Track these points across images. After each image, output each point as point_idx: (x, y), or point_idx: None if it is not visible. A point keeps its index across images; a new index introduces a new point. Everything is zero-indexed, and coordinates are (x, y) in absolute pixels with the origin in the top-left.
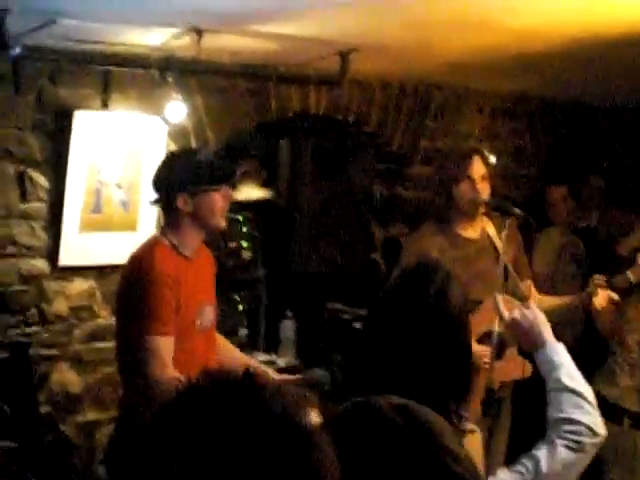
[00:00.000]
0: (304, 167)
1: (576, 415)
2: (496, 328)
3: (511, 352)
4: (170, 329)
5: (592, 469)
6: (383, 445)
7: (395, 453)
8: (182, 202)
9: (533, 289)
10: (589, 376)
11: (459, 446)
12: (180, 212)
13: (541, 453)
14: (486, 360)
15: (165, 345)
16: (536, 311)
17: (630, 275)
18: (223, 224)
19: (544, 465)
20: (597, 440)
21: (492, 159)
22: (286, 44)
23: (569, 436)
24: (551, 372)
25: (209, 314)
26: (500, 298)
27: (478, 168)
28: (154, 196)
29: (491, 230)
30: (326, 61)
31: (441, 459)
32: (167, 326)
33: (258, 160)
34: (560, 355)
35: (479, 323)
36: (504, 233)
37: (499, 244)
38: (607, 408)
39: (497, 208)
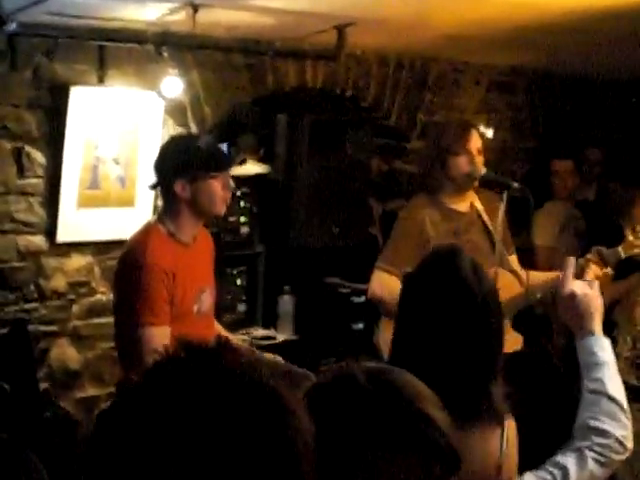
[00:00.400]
0: (301, 142)
1: (611, 427)
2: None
3: (506, 324)
4: (163, 319)
5: None
6: (355, 412)
7: (366, 419)
8: (180, 188)
9: (517, 263)
10: None
11: (439, 412)
12: (178, 198)
13: (569, 463)
14: None
15: (158, 335)
16: (597, 294)
17: (621, 250)
18: (222, 211)
19: (572, 476)
20: (625, 455)
21: (489, 133)
22: (282, 18)
23: (600, 450)
24: (592, 369)
25: (207, 299)
26: (573, 262)
27: (475, 141)
28: (153, 180)
29: (479, 204)
30: (323, 35)
31: (413, 424)
32: (159, 316)
33: (256, 135)
34: (605, 351)
35: None
36: (502, 206)
37: (487, 218)
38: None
39: (495, 182)
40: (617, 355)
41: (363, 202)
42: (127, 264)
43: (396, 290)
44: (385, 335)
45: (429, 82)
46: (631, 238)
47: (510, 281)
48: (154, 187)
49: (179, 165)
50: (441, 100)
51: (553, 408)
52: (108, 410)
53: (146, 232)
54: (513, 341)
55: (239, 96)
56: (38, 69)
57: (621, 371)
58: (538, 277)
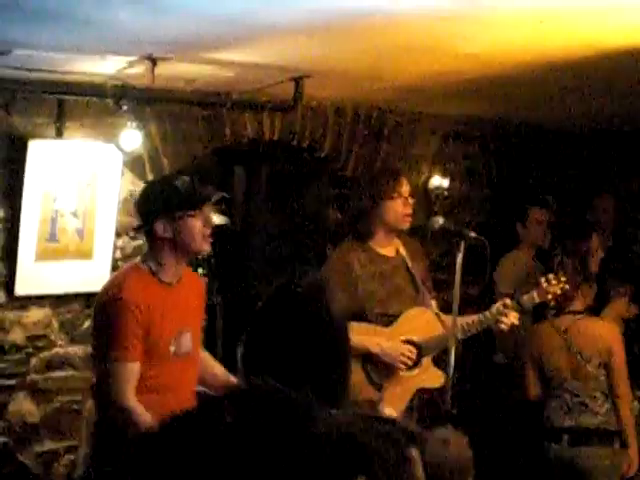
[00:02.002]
0: (259, 193)
1: None
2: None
3: (427, 361)
4: (133, 355)
5: None
6: None
7: None
8: (161, 228)
9: (437, 308)
10: None
11: None
12: (160, 238)
13: None
14: (406, 360)
15: (126, 371)
16: None
17: (535, 296)
18: (206, 248)
19: None
20: None
21: (444, 182)
22: (240, 71)
23: None
24: None
25: (187, 340)
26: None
27: (406, 186)
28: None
29: (402, 250)
30: (280, 87)
31: None
32: (129, 352)
33: (215, 187)
34: None
35: (396, 334)
36: (459, 257)
37: (410, 263)
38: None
39: (452, 231)
40: None
41: (320, 252)
42: (102, 299)
43: None
44: None
45: (385, 132)
46: (544, 285)
47: (430, 321)
48: (137, 229)
49: (158, 206)
50: (397, 150)
51: None
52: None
53: (125, 270)
54: (435, 377)
55: (197, 148)
56: None
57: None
58: (449, 320)
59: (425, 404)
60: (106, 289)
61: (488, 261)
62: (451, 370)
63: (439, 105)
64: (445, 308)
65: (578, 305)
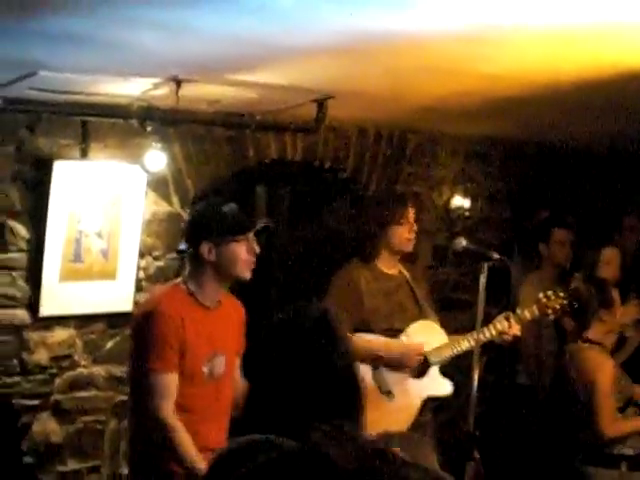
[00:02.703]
0: (280, 213)
1: None
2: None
3: (434, 371)
4: (170, 366)
5: None
6: None
7: None
8: (206, 251)
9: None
10: None
11: None
12: (203, 260)
13: None
14: (414, 359)
15: (165, 382)
16: None
17: (535, 309)
18: (247, 274)
19: None
20: None
21: (466, 203)
22: (263, 92)
23: None
24: None
25: (221, 363)
26: None
27: (412, 212)
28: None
29: (405, 272)
30: (302, 108)
31: None
32: (165, 362)
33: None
34: None
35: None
36: (482, 278)
37: (413, 283)
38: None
39: (475, 253)
40: None
41: None
42: (141, 314)
43: None
44: None
45: (407, 153)
46: (544, 300)
47: (436, 332)
48: (181, 252)
49: (205, 229)
50: (419, 171)
51: None
52: None
53: (162, 289)
54: (443, 386)
55: (220, 169)
56: (22, 144)
57: None
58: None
59: (446, 425)
60: (144, 305)
61: (510, 282)
62: (474, 390)
63: (460, 125)
64: (467, 328)
65: (591, 333)
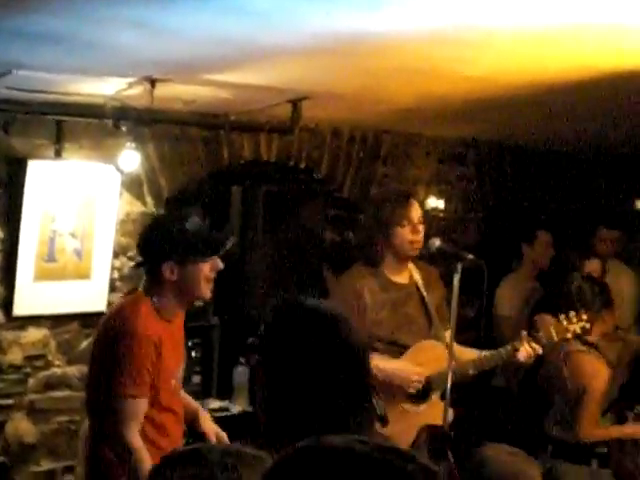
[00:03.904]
0: (256, 214)
1: None
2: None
3: (435, 397)
4: (144, 391)
5: None
6: None
7: None
8: (168, 271)
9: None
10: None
11: None
12: (164, 279)
13: None
14: (415, 384)
15: (138, 408)
16: None
17: (554, 334)
18: (207, 294)
19: None
20: None
21: (440, 204)
22: (238, 92)
23: None
24: None
25: (180, 373)
26: None
27: (416, 211)
28: (139, 259)
29: (417, 276)
30: (277, 109)
31: None
32: (142, 388)
33: (205, 208)
34: None
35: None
36: (456, 279)
37: (424, 291)
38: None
39: (449, 253)
40: None
41: (316, 272)
42: (116, 331)
43: None
44: None
45: (381, 154)
46: (565, 323)
47: (441, 355)
48: (139, 266)
49: (169, 249)
50: (393, 172)
51: None
52: None
53: (136, 302)
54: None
55: (195, 169)
56: None
57: None
58: (466, 353)
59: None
60: (120, 320)
61: (485, 283)
62: (448, 392)
63: (436, 127)
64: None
65: (592, 335)
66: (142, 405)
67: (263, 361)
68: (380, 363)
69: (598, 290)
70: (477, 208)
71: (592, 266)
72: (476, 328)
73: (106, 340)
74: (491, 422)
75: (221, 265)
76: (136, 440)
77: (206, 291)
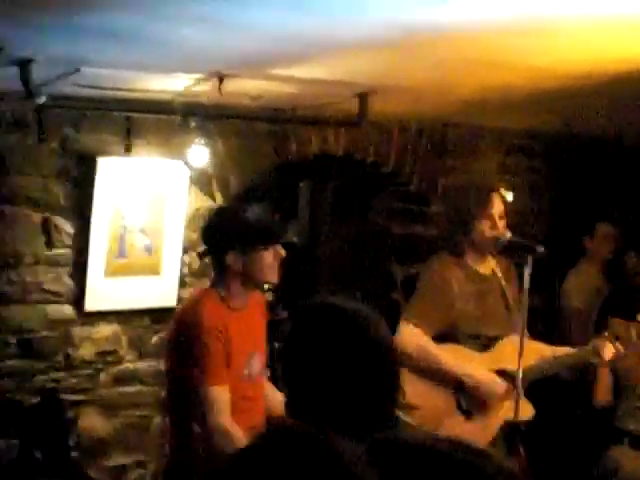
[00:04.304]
0: (324, 208)
1: None
2: (508, 368)
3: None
4: (224, 378)
5: None
6: None
7: None
8: (232, 260)
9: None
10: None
11: None
12: (229, 269)
13: None
14: (500, 391)
15: (221, 394)
16: None
17: (634, 332)
18: (275, 279)
19: None
20: None
21: (509, 196)
22: (305, 87)
23: None
24: None
25: (257, 363)
26: None
27: (497, 205)
28: (202, 248)
29: (498, 270)
30: (344, 103)
31: None
32: (221, 376)
33: (274, 202)
34: None
35: (490, 361)
36: (527, 271)
37: (504, 283)
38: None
39: (521, 246)
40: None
41: (385, 267)
42: (186, 326)
43: (424, 346)
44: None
45: (448, 147)
46: None
47: (527, 351)
48: (204, 255)
49: (232, 238)
50: (461, 164)
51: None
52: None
53: (201, 295)
54: (525, 410)
55: (263, 164)
56: (66, 140)
57: None
58: (547, 350)
59: None
60: (185, 316)
61: (557, 275)
62: (519, 384)
63: (502, 119)
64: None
65: None
66: (225, 393)
67: (284, 365)
68: (470, 370)
69: None
70: (544, 201)
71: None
72: (544, 321)
73: (178, 335)
74: (558, 415)
75: (283, 253)
76: (234, 427)
77: (272, 276)
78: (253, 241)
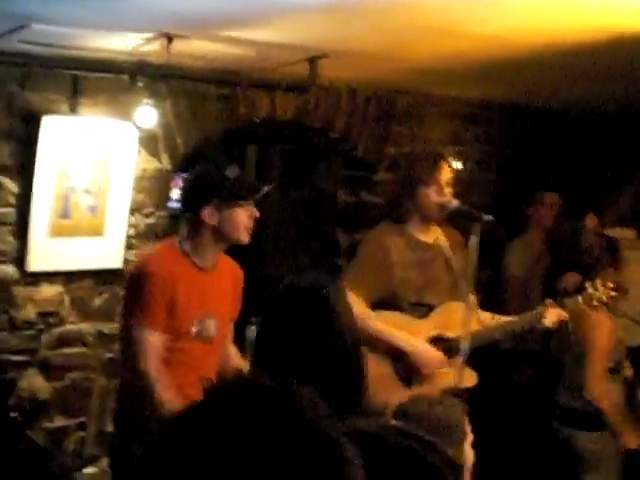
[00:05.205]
0: (271, 173)
1: None
2: (449, 334)
3: (459, 361)
4: (157, 324)
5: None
6: None
7: None
8: (208, 214)
9: (476, 304)
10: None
11: None
12: (204, 224)
13: None
14: (437, 364)
15: (150, 339)
16: None
17: (581, 301)
18: (246, 239)
19: None
20: None
21: (457, 165)
22: (255, 50)
23: None
24: None
25: (211, 326)
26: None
27: (445, 173)
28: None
29: (443, 239)
30: (294, 67)
31: None
32: (153, 320)
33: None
34: None
35: (430, 327)
36: (473, 239)
37: (450, 253)
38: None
39: (467, 214)
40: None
41: (331, 233)
42: (131, 273)
43: (359, 313)
44: None
45: (397, 114)
46: (590, 290)
47: (474, 317)
48: (182, 213)
49: (208, 192)
50: (409, 132)
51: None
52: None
53: (155, 247)
54: (466, 377)
55: (211, 126)
56: (12, 98)
57: None
58: (490, 318)
59: None
60: (134, 265)
61: (504, 244)
62: (464, 356)
63: (452, 87)
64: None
65: None
66: (156, 337)
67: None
68: (403, 338)
69: (605, 245)
70: (490, 170)
71: (592, 221)
72: (490, 291)
73: (126, 284)
74: (504, 387)
75: (257, 213)
76: (155, 369)
77: (244, 236)
78: (230, 195)
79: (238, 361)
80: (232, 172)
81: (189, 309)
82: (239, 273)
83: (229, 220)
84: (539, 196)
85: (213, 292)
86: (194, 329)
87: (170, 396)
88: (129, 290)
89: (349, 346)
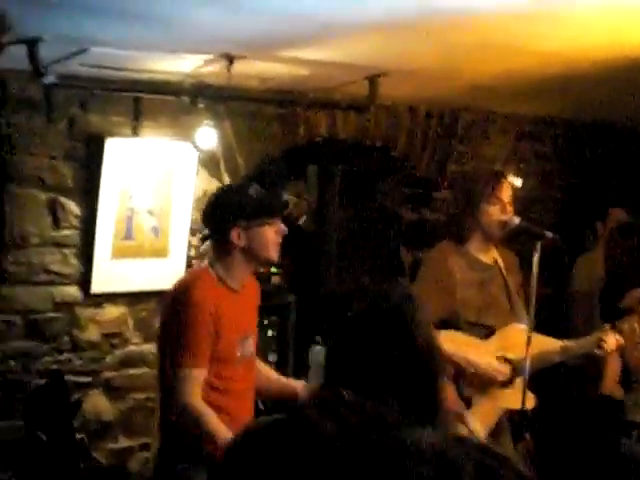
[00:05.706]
0: (332, 192)
1: None
2: (511, 356)
3: (520, 382)
4: (202, 361)
5: None
6: None
7: None
8: (236, 236)
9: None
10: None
11: None
12: (232, 245)
13: None
14: (500, 378)
15: (194, 376)
16: None
17: (636, 325)
18: (275, 257)
19: None
20: None
21: (517, 182)
22: (315, 69)
23: None
24: None
25: (250, 345)
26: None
27: (506, 190)
28: (205, 232)
29: (500, 260)
30: (354, 86)
31: None
32: (198, 358)
33: (283, 185)
34: None
35: (493, 349)
36: (536, 257)
37: (507, 274)
38: None
39: (528, 231)
40: None
41: (393, 251)
42: (174, 305)
43: None
44: None
45: (458, 132)
46: None
47: (534, 340)
48: (206, 239)
49: (234, 213)
50: (470, 150)
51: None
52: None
53: (194, 274)
54: (526, 399)
55: (271, 146)
56: (74, 121)
57: None
58: (549, 341)
59: None
60: (176, 294)
61: (566, 261)
62: (526, 371)
63: (512, 104)
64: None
65: None
66: (201, 375)
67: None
68: (469, 356)
69: None
70: (555, 187)
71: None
72: (553, 307)
73: (165, 317)
74: (571, 405)
75: (285, 229)
76: (198, 402)
77: (274, 254)
78: (256, 214)
79: (268, 369)
80: (254, 191)
81: (232, 334)
82: (258, 287)
83: (257, 239)
84: (607, 212)
85: (245, 311)
86: (238, 352)
87: (221, 425)
88: (172, 321)
89: (437, 362)
